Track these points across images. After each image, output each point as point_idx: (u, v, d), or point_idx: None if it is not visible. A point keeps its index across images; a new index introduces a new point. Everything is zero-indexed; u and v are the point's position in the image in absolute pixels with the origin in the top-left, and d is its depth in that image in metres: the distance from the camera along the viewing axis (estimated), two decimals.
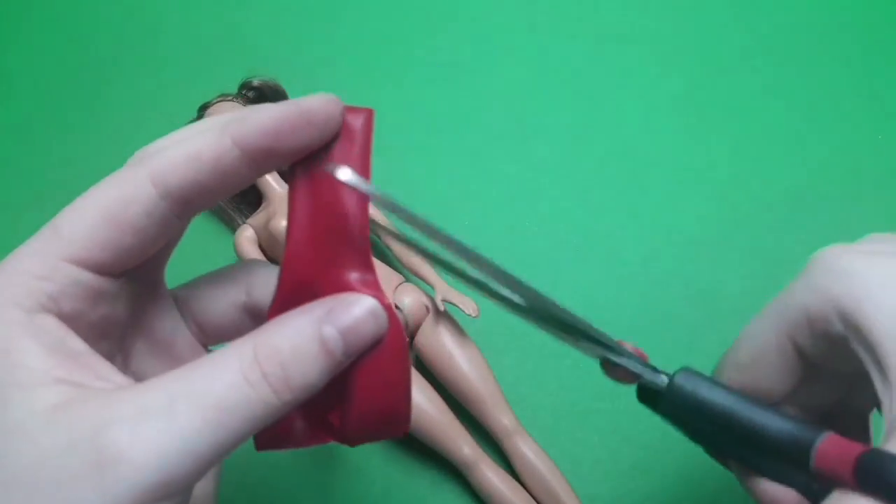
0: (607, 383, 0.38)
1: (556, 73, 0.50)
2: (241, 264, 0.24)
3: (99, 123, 0.48)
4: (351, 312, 0.19)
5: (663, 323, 0.42)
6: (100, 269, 0.18)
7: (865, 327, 0.20)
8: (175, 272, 0.25)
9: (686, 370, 0.24)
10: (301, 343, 0.18)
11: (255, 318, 0.23)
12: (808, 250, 0.44)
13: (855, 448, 0.20)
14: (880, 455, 0.19)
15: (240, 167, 0.18)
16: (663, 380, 0.24)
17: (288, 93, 0.44)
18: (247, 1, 0.53)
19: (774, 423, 0.22)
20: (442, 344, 0.37)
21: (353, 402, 0.20)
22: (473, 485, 0.36)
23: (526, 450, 0.36)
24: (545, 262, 0.43)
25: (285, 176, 0.42)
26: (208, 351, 0.24)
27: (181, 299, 0.23)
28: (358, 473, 0.38)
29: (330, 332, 0.18)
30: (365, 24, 0.52)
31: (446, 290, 0.38)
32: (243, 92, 0.44)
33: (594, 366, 0.40)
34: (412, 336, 0.38)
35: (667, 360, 0.41)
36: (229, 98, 0.43)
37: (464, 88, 0.50)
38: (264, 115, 0.18)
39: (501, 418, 0.37)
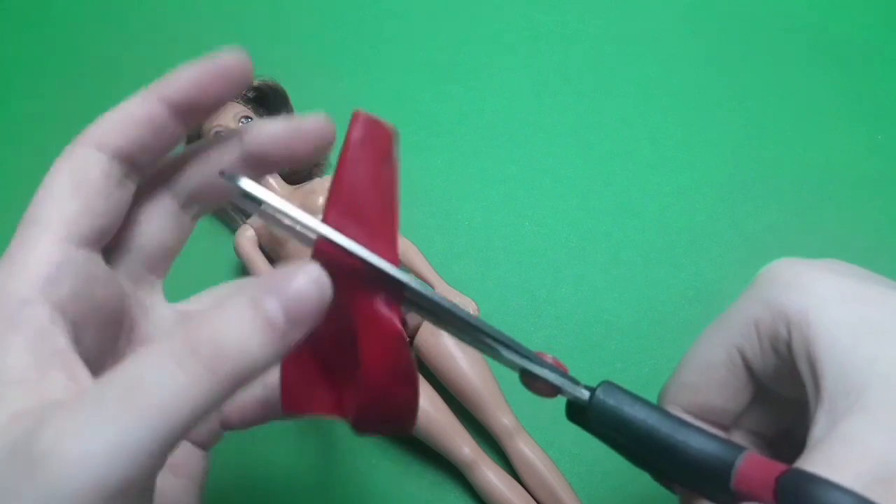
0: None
1: (557, 74, 0.50)
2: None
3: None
4: (288, 279, 0.17)
5: (663, 324, 0.42)
6: (83, 240, 0.19)
7: (810, 339, 0.20)
8: (176, 273, 0.25)
9: (608, 384, 0.23)
10: (234, 315, 0.16)
11: None
12: (809, 250, 0.44)
13: (775, 468, 0.19)
14: (799, 475, 0.18)
15: (169, 121, 0.20)
16: (584, 393, 0.22)
17: (288, 92, 0.44)
18: (247, 1, 0.53)
19: (696, 440, 0.21)
20: (442, 344, 0.37)
21: (358, 391, 0.20)
22: (473, 484, 0.36)
23: (526, 450, 0.36)
24: (545, 263, 0.43)
25: (286, 177, 0.43)
26: None
27: (183, 314, 0.23)
28: (358, 473, 0.38)
29: (268, 301, 0.16)
30: (365, 24, 0.52)
31: (446, 289, 0.38)
32: (243, 92, 0.44)
33: (594, 366, 0.41)
34: (412, 336, 0.38)
35: (667, 361, 0.41)
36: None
37: (464, 88, 0.49)
38: (185, 73, 0.20)
39: (501, 418, 0.37)
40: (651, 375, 0.40)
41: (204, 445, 0.23)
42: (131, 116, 0.20)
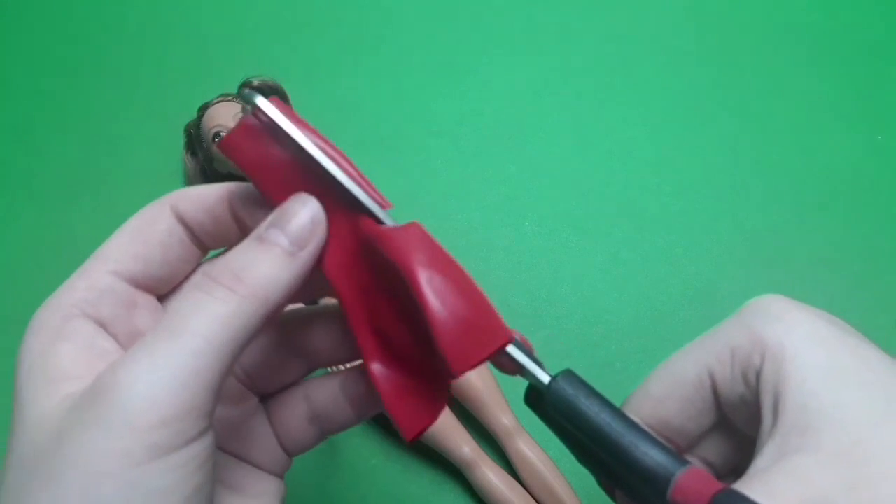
0: (607, 384, 0.38)
1: (557, 74, 0.50)
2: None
3: (99, 124, 0.48)
4: (289, 210, 0.20)
5: (663, 324, 0.42)
6: (133, 279, 0.21)
7: (780, 373, 0.20)
8: None
9: (569, 373, 0.22)
10: (245, 247, 0.20)
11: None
12: (809, 250, 0.44)
13: (714, 486, 0.19)
14: (733, 495, 0.18)
15: (230, 225, 0.22)
16: (544, 378, 0.22)
17: (288, 93, 0.44)
18: (247, 1, 0.53)
19: (643, 445, 0.21)
20: None
21: (431, 327, 0.20)
22: (473, 484, 0.36)
23: (526, 449, 0.36)
24: (545, 263, 0.43)
25: None
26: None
27: None
28: (358, 474, 0.38)
29: (270, 231, 0.20)
30: (365, 24, 0.52)
31: None
32: (243, 92, 0.44)
33: (594, 366, 0.41)
34: None
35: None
36: (229, 98, 0.43)
37: (464, 88, 0.49)
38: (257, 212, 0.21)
39: (501, 418, 0.37)
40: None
41: (274, 472, 0.24)
42: (203, 198, 0.21)
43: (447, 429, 0.36)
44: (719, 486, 0.19)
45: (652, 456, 0.21)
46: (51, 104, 0.49)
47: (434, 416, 0.22)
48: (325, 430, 0.24)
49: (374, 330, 0.21)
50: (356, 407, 0.24)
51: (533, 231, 0.44)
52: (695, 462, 0.24)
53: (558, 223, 0.45)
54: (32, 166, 0.47)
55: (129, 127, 0.48)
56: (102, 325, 0.20)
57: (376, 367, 0.21)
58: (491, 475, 0.36)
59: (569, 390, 0.22)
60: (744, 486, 0.19)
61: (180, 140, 0.45)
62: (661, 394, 0.23)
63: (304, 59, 0.50)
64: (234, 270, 0.19)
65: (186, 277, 0.22)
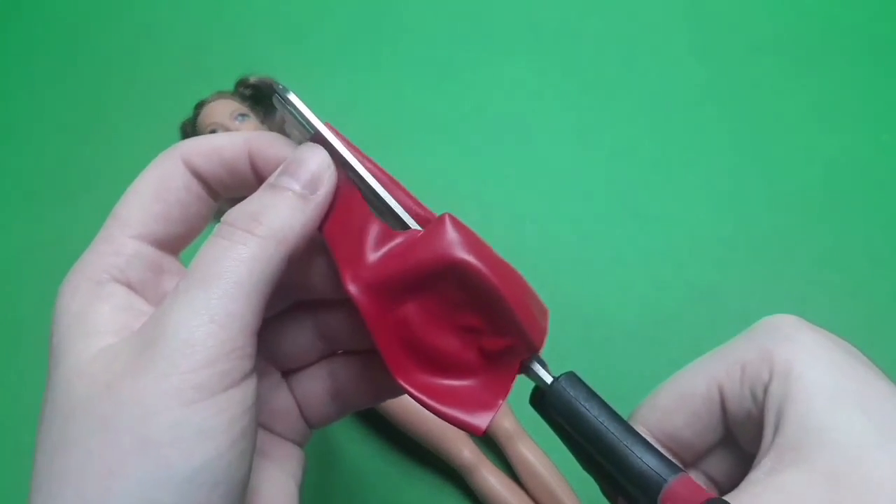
0: (608, 387, 0.38)
1: (558, 73, 0.50)
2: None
3: (96, 121, 0.48)
4: (299, 158, 0.21)
5: (665, 325, 0.41)
6: (156, 241, 0.21)
7: (787, 390, 0.21)
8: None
9: (572, 375, 0.23)
10: (259, 194, 0.20)
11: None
12: (812, 250, 0.44)
13: (703, 495, 0.20)
14: None
15: (248, 172, 0.22)
16: (548, 378, 0.23)
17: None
18: (245, 0, 0.53)
19: (637, 451, 0.21)
20: None
21: (510, 308, 0.21)
22: (474, 488, 0.36)
23: (527, 453, 0.36)
24: (546, 263, 0.43)
25: None
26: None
27: None
28: (358, 477, 0.38)
29: (282, 178, 0.20)
30: (363, 23, 0.51)
31: None
32: (240, 89, 0.43)
33: (594, 367, 0.40)
34: None
35: (669, 362, 0.41)
36: (226, 95, 0.43)
37: (464, 88, 0.49)
38: (282, 151, 0.22)
39: (502, 421, 0.36)
40: (653, 376, 0.40)
41: (296, 442, 0.24)
42: (219, 151, 0.22)
43: (447, 432, 0.36)
44: (709, 495, 0.20)
45: (646, 461, 0.21)
46: (45, 102, 0.49)
47: (496, 402, 0.22)
48: (346, 406, 0.25)
49: (401, 341, 0.21)
50: (377, 388, 0.24)
51: (533, 231, 0.44)
52: (698, 477, 0.24)
53: (559, 223, 0.44)
54: (28, 165, 0.46)
55: (125, 125, 0.47)
56: (132, 289, 0.20)
57: (412, 379, 0.21)
58: (491, 479, 0.35)
59: (569, 392, 0.22)
60: (733, 498, 0.19)
61: (176, 138, 0.44)
62: (669, 406, 0.24)
63: (302, 57, 0.50)
64: (251, 215, 0.19)
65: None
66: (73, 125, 0.48)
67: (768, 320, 0.23)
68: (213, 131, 0.41)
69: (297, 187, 0.20)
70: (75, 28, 0.51)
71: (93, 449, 0.17)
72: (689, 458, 0.24)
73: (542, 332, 0.22)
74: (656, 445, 0.22)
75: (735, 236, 0.44)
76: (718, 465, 0.24)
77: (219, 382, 0.18)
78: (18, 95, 0.49)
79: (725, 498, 0.19)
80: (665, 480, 0.21)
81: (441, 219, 0.21)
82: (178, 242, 0.22)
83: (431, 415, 0.35)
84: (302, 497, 0.23)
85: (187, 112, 0.44)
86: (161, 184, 0.21)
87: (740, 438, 0.23)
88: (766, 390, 0.21)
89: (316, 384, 0.24)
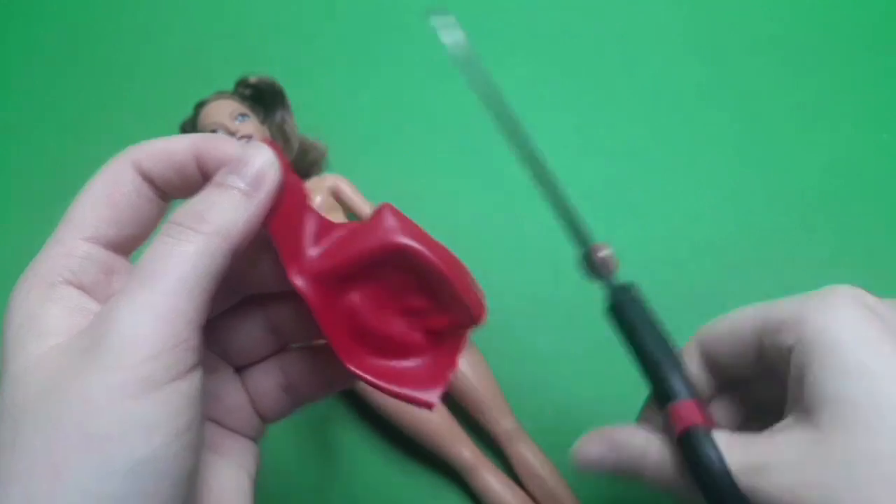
0: (608, 386, 0.38)
1: (558, 73, 0.50)
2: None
3: (96, 121, 0.48)
4: (244, 157, 0.21)
5: (667, 325, 0.41)
6: (108, 243, 0.21)
7: (808, 359, 0.23)
8: None
9: (633, 288, 0.29)
10: (205, 192, 0.21)
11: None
12: (813, 250, 0.44)
13: (697, 418, 0.24)
14: (699, 428, 0.23)
15: (196, 174, 0.22)
16: (617, 284, 0.28)
17: (286, 91, 0.44)
18: (245, 0, 0.53)
19: (669, 364, 0.26)
20: None
21: (449, 285, 0.22)
22: (474, 488, 0.36)
23: (527, 453, 0.36)
24: (545, 263, 0.43)
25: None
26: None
27: None
28: (358, 477, 0.38)
29: (228, 176, 0.21)
30: (363, 23, 0.51)
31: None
32: (240, 89, 0.43)
33: (595, 368, 0.40)
34: None
35: None
36: (226, 95, 0.43)
37: (464, 87, 0.49)
38: (229, 148, 0.22)
39: (502, 421, 0.36)
40: None
41: (250, 436, 0.25)
42: (167, 154, 0.22)
43: (447, 432, 0.36)
44: (700, 419, 0.24)
45: (673, 376, 0.25)
46: (45, 101, 0.49)
47: (445, 377, 0.23)
48: (299, 399, 0.25)
49: (349, 329, 0.22)
50: (328, 379, 0.25)
51: (534, 231, 0.44)
52: (732, 405, 0.28)
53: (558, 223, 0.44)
54: (28, 164, 0.47)
55: (125, 124, 0.47)
56: (84, 290, 0.21)
57: (361, 363, 0.22)
58: (491, 479, 0.35)
59: (630, 296, 0.29)
60: (749, 439, 0.23)
61: None
62: (720, 334, 0.27)
63: (302, 57, 0.50)
64: (196, 213, 0.20)
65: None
66: (72, 125, 0.48)
67: (829, 289, 0.24)
68: (213, 131, 0.41)
69: (241, 185, 0.21)
70: (75, 28, 0.51)
71: (39, 447, 0.17)
72: (725, 386, 0.28)
73: (483, 307, 0.23)
74: (699, 364, 0.27)
75: (736, 236, 0.44)
76: (724, 410, 0.28)
77: (163, 375, 0.18)
78: (18, 95, 0.49)
79: (736, 434, 0.23)
80: (677, 397, 0.25)
81: (380, 208, 0.22)
82: (129, 244, 0.22)
83: (431, 416, 0.36)
84: (256, 490, 0.24)
85: (187, 112, 0.44)
86: (112, 187, 0.22)
87: (761, 386, 0.26)
88: (790, 352, 0.23)
89: (268, 379, 0.25)
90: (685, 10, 0.52)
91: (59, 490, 0.17)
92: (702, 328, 0.28)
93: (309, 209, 0.23)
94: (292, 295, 0.23)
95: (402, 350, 0.23)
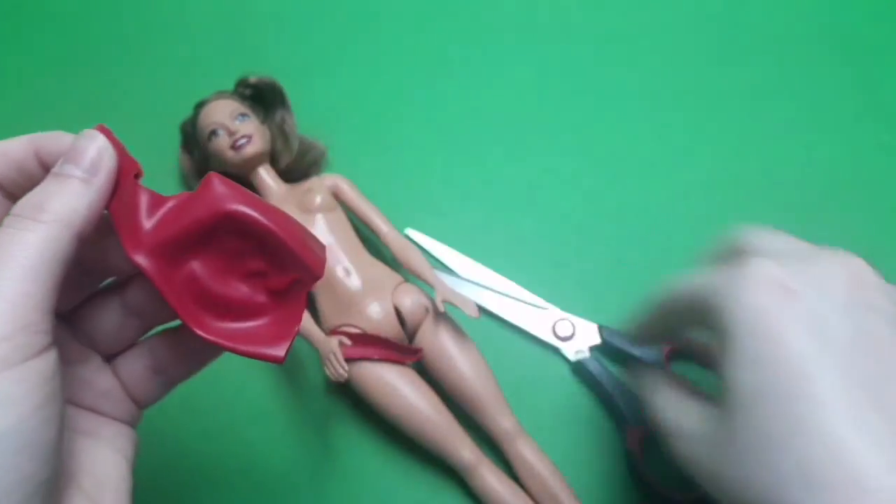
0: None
1: (558, 72, 0.50)
2: None
3: (95, 120, 0.47)
4: (79, 146, 0.22)
5: None
6: None
7: (721, 343, 0.24)
8: None
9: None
10: (44, 183, 0.22)
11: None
12: None
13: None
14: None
15: (37, 170, 0.23)
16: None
17: (286, 90, 0.44)
18: (246, 0, 0.53)
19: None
20: (442, 345, 0.37)
21: (285, 246, 0.23)
22: (473, 488, 0.36)
23: (527, 452, 0.36)
24: (545, 264, 0.43)
25: (282, 174, 0.42)
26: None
27: None
28: (356, 477, 0.38)
29: (65, 166, 0.22)
30: (362, 22, 0.51)
31: (446, 290, 0.37)
32: (240, 89, 0.43)
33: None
34: (412, 337, 0.38)
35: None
36: (226, 95, 0.43)
37: (463, 87, 0.49)
38: (62, 140, 0.23)
39: (502, 421, 0.36)
40: None
41: (126, 422, 0.26)
42: (5, 154, 0.23)
43: (447, 432, 0.36)
44: None
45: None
46: (45, 101, 0.48)
47: (291, 331, 0.24)
48: (170, 380, 0.26)
49: (194, 297, 0.23)
50: (193, 357, 0.26)
51: (534, 232, 0.44)
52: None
53: (560, 223, 0.44)
54: None
55: (125, 125, 0.47)
56: None
57: (210, 328, 0.23)
58: (491, 479, 0.35)
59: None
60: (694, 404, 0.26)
61: (176, 138, 0.44)
62: (669, 301, 0.30)
63: (301, 57, 0.50)
64: (35, 204, 0.21)
65: None
66: (71, 125, 0.47)
67: (744, 270, 0.25)
68: (213, 131, 0.41)
69: (78, 173, 0.22)
70: (75, 28, 0.51)
71: None
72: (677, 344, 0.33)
73: (322, 262, 0.24)
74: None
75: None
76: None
77: (15, 355, 0.19)
78: (17, 95, 0.49)
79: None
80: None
81: (207, 178, 0.23)
82: None
83: (431, 414, 0.36)
84: (133, 474, 0.25)
85: (187, 112, 0.44)
86: None
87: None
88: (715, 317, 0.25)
89: (138, 363, 0.26)
90: (683, 10, 0.52)
91: None
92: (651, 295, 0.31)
93: (139, 186, 0.23)
94: (141, 275, 0.24)
95: (247, 312, 0.24)
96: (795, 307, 0.23)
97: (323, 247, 0.25)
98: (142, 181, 0.24)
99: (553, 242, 0.44)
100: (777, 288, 0.23)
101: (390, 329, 0.37)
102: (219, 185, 0.23)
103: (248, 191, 0.23)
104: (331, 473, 0.38)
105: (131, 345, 0.26)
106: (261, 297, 0.24)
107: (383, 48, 0.50)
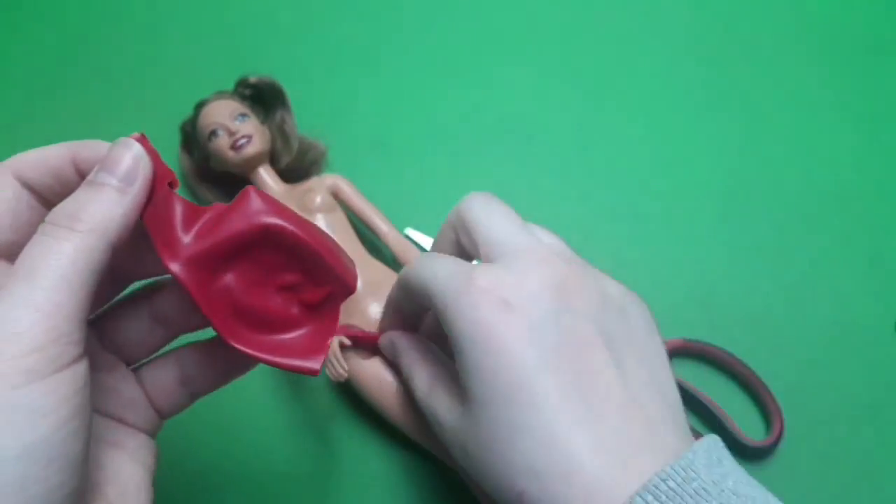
0: None
1: (558, 73, 0.50)
2: None
3: (96, 121, 0.48)
4: (114, 155, 0.22)
5: (665, 326, 0.41)
6: None
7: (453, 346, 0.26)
8: None
9: None
10: (79, 192, 0.22)
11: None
12: (811, 250, 0.44)
13: None
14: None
15: (73, 177, 0.23)
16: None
17: (286, 90, 0.44)
18: (246, 0, 0.53)
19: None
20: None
21: (322, 259, 0.23)
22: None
23: None
24: None
25: (282, 174, 0.42)
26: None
27: None
28: (357, 476, 0.38)
29: (100, 174, 0.22)
30: (363, 23, 0.51)
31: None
32: (240, 89, 0.43)
33: None
34: None
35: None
36: (226, 95, 0.43)
37: (463, 88, 0.49)
38: (99, 149, 0.23)
39: None
40: None
41: (147, 431, 0.26)
42: (44, 161, 0.23)
43: None
44: None
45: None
46: (45, 102, 0.49)
47: (326, 344, 0.24)
48: (196, 392, 0.27)
49: (228, 309, 0.23)
50: (222, 370, 0.26)
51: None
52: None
53: (559, 223, 0.44)
54: None
55: (125, 125, 0.47)
56: None
57: (245, 340, 0.24)
58: None
59: None
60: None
61: (176, 138, 0.44)
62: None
63: (302, 57, 0.50)
64: (70, 213, 0.21)
65: None
66: (72, 125, 0.48)
67: (468, 282, 0.26)
68: (213, 131, 0.41)
69: (114, 182, 0.21)
70: (75, 29, 0.51)
71: None
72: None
73: (354, 276, 0.25)
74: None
75: (734, 236, 0.44)
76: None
77: (47, 366, 0.19)
78: (18, 95, 0.49)
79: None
80: None
81: (245, 191, 0.23)
82: (10, 249, 0.23)
83: None
84: (154, 484, 0.25)
85: (187, 112, 0.44)
86: None
87: None
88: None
89: (165, 373, 0.26)
90: (683, 11, 0.52)
91: None
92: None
93: (176, 196, 0.23)
94: (173, 283, 0.24)
95: (280, 324, 0.24)
96: (513, 320, 0.25)
97: (352, 261, 0.25)
98: (177, 190, 0.24)
99: None
100: (497, 303, 0.25)
101: None
102: (256, 198, 0.23)
103: (283, 204, 0.23)
104: (331, 472, 0.38)
105: (154, 354, 0.26)
106: (294, 310, 0.24)
107: (383, 48, 0.50)
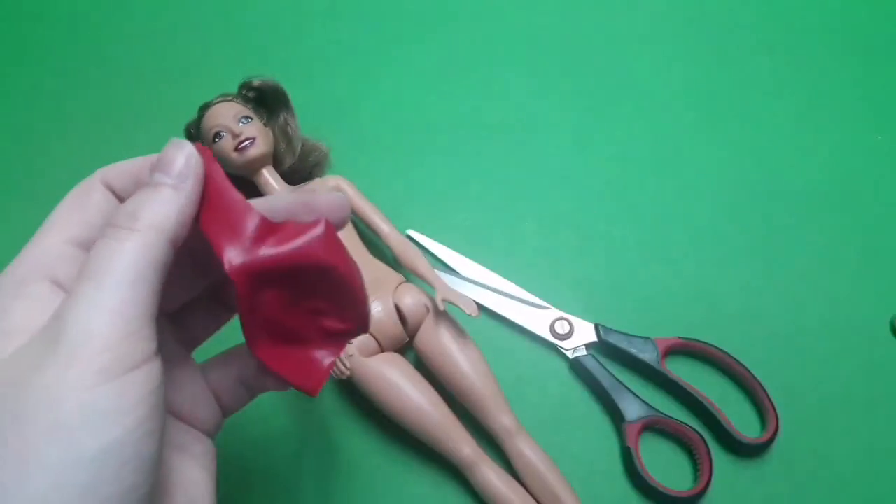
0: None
1: (557, 74, 0.50)
2: None
3: (100, 124, 0.48)
4: (167, 155, 0.23)
5: (664, 325, 0.42)
6: (80, 243, 0.23)
7: None
8: None
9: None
10: (137, 194, 0.22)
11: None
12: (807, 249, 0.44)
13: None
14: None
15: None
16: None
17: (289, 93, 0.44)
18: (247, 1, 0.53)
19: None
20: (442, 344, 0.37)
21: (355, 298, 0.25)
22: (474, 485, 0.36)
23: (526, 450, 0.36)
24: (545, 264, 0.43)
25: (286, 177, 0.42)
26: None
27: None
28: (358, 474, 0.38)
29: (155, 175, 0.22)
30: (364, 24, 0.52)
31: (446, 290, 0.38)
32: (243, 92, 0.44)
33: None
34: (412, 335, 0.38)
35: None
36: (229, 98, 0.43)
37: (463, 88, 0.49)
38: (190, 169, 0.23)
39: (502, 418, 0.37)
40: None
41: (208, 432, 0.26)
42: (129, 170, 0.24)
43: (447, 429, 0.36)
44: None
45: None
46: (50, 104, 0.49)
47: (328, 372, 0.25)
48: (252, 391, 0.27)
49: (261, 319, 0.24)
50: (270, 376, 0.26)
51: (534, 232, 0.44)
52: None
53: (558, 223, 0.45)
54: (32, 167, 0.47)
55: (130, 127, 0.48)
56: (58, 284, 0.22)
57: (263, 349, 0.25)
58: (491, 475, 0.36)
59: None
60: None
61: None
62: None
63: (304, 59, 0.50)
64: (129, 213, 0.21)
65: None
66: (76, 127, 0.48)
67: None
68: (217, 133, 0.41)
69: (168, 180, 0.22)
70: (78, 31, 0.52)
71: (7, 440, 0.18)
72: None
73: (370, 318, 0.26)
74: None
75: (732, 236, 0.44)
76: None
77: (119, 366, 0.19)
78: (23, 98, 0.49)
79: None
80: None
81: (317, 222, 0.24)
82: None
83: (432, 411, 0.36)
84: (217, 487, 0.25)
85: (191, 114, 0.44)
86: (83, 196, 0.24)
87: None
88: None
89: (226, 370, 0.26)
90: (683, 11, 0.52)
91: (30, 478, 0.18)
92: None
93: (247, 206, 0.24)
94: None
95: (294, 338, 0.25)
96: None
97: (369, 305, 0.26)
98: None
99: (551, 243, 0.44)
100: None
101: (391, 328, 0.38)
102: (326, 234, 0.24)
103: (342, 241, 0.24)
104: (333, 470, 0.38)
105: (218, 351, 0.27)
106: (312, 331, 0.25)
107: (385, 51, 0.51)
